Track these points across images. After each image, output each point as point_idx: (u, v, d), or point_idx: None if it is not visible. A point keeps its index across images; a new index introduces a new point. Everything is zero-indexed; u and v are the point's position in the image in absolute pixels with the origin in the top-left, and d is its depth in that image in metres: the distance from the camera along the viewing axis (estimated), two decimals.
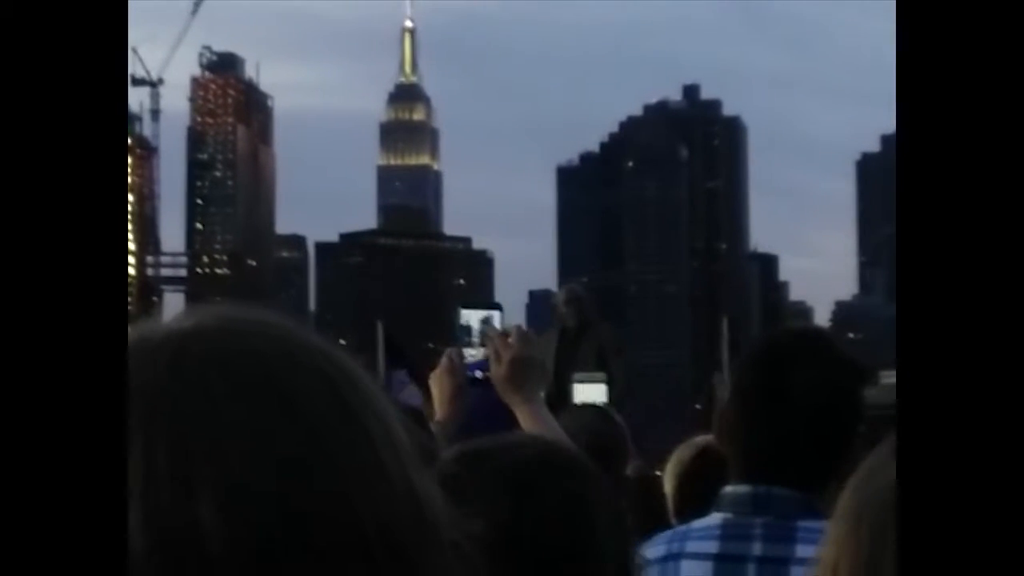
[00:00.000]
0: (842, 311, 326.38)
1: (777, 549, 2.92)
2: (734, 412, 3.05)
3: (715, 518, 2.98)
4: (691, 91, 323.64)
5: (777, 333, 3.34)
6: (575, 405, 8.32)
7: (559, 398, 11.91)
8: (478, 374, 3.74)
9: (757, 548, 2.92)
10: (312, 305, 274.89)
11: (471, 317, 3.77)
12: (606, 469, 4.05)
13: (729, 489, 3.00)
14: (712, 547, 2.92)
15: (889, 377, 16.56)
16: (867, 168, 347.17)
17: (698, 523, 2.99)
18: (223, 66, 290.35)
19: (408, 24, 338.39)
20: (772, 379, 3.01)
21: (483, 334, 3.69)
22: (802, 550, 2.92)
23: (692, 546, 2.94)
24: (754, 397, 3.02)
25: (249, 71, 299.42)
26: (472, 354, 3.77)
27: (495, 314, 3.78)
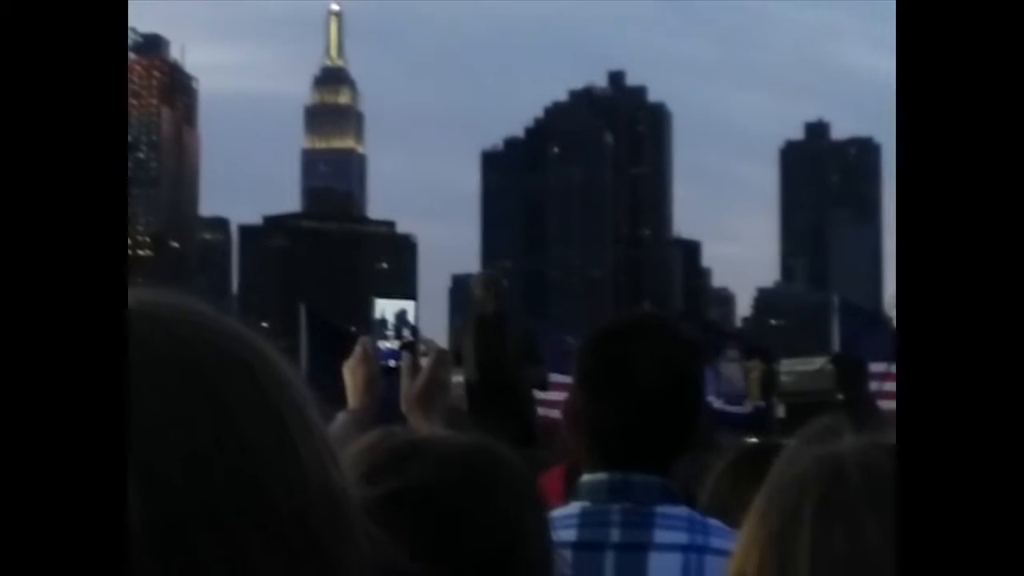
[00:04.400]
0: (764, 297, 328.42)
1: (635, 535, 2.94)
2: (583, 399, 3.05)
3: (574, 507, 2.99)
4: (616, 77, 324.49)
5: (613, 319, 3.34)
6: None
7: (486, 386, 11.91)
8: (391, 363, 3.76)
9: (615, 535, 2.94)
10: (235, 288, 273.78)
11: (386, 307, 3.79)
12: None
13: (586, 478, 3.02)
14: (571, 535, 2.93)
15: (810, 363, 16.70)
16: (790, 155, 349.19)
17: (557, 512, 2.99)
18: (148, 47, 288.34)
19: (335, 7, 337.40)
20: (613, 361, 3.02)
21: (399, 333, 3.72)
22: (660, 535, 2.94)
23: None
24: (597, 381, 3.03)
25: (174, 53, 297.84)
26: (386, 345, 3.80)
27: (409, 304, 3.81)
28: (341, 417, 3.74)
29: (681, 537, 2.93)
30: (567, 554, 2.88)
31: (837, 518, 1.50)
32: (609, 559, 2.93)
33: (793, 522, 1.52)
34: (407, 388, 3.62)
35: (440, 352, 3.73)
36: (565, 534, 2.91)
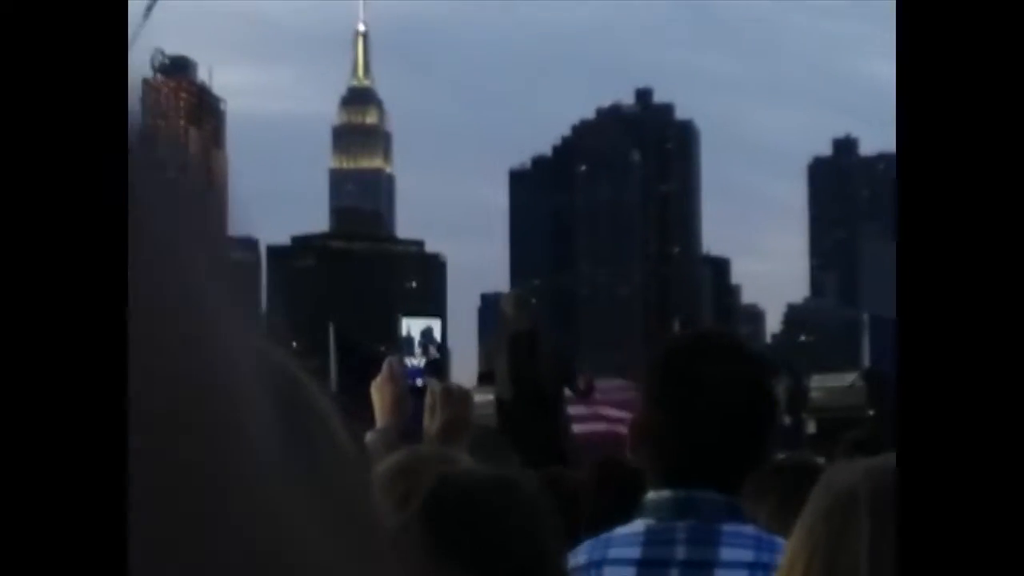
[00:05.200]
0: (793, 313, 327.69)
1: (701, 552, 2.92)
2: (650, 416, 3.04)
3: (638, 524, 2.97)
4: (644, 95, 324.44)
5: (681, 335, 3.34)
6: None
7: (519, 404, 11.91)
8: (419, 382, 3.77)
9: (681, 552, 2.91)
10: (263, 307, 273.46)
11: (412, 326, 3.82)
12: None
13: (651, 495, 3.00)
14: (635, 553, 2.91)
15: (841, 379, 16.67)
16: (818, 171, 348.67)
17: (620, 530, 2.98)
18: (175, 69, 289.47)
19: (361, 27, 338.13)
20: (685, 379, 3.01)
21: (426, 351, 3.76)
22: (727, 553, 2.92)
23: (614, 552, 2.93)
24: (669, 398, 3.02)
25: (202, 74, 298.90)
26: (413, 363, 3.82)
27: (435, 322, 3.83)
28: (369, 436, 3.75)
29: (748, 555, 2.91)
30: (631, 571, 2.88)
31: (887, 531, 1.48)
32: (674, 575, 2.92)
33: (843, 535, 1.51)
34: (428, 425, 3.65)
35: (461, 391, 3.75)
36: (629, 551, 2.90)
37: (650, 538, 2.93)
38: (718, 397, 2.97)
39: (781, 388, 16.76)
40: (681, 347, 3.14)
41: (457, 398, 3.72)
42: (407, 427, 3.76)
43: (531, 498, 2.20)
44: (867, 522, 1.51)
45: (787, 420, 17.09)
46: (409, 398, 3.83)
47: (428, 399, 3.70)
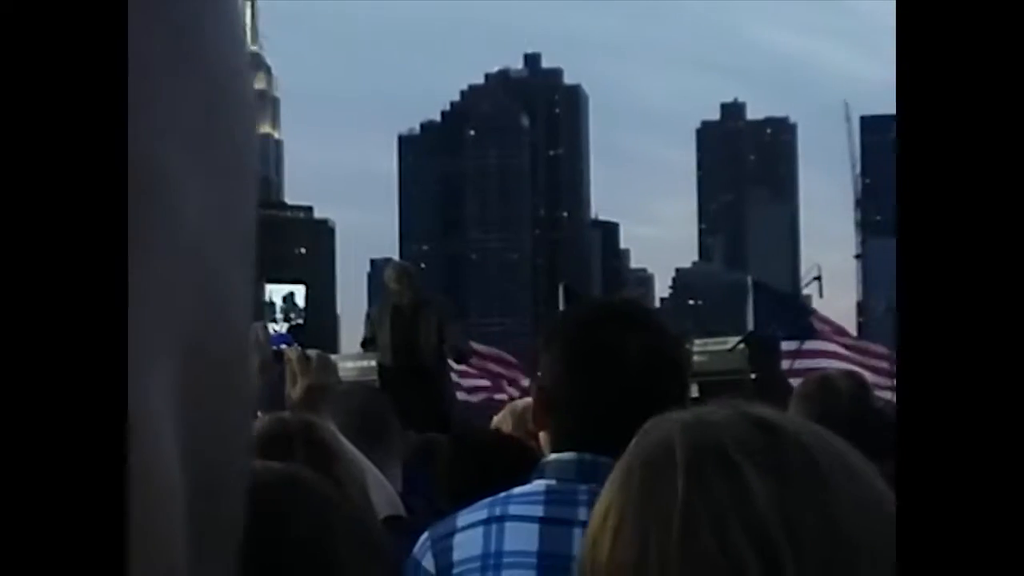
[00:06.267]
0: (682, 278, 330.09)
1: None
2: (557, 383, 3.02)
3: (538, 484, 2.95)
4: (532, 59, 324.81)
5: (587, 303, 3.34)
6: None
7: (399, 377, 11.94)
8: (282, 347, 3.75)
9: (583, 513, 2.90)
10: None
11: (274, 292, 3.78)
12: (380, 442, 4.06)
13: (552, 457, 2.98)
14: (537, 511, 2.89)
15: (723, 343, 16.76)
16: (706, 136, 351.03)
17: (520, 489, 2.96)
18: None
19: None
20: (604, 346, 3.00)
21: (287, 316, 3.73)
22: None
23: (515, 509, 2.91)
24: (579, 366, 3.00)
25: None
26: (275, 329, 3.79)
27: (298, 288, 3.80)
28: None
29: None
30: (534, 527, 2.85)
31: (702, 483, 1.51)
32: (577, 536, 2.90)
33: (655, 489, 1.53)
34: (290, 393, 3.62)
35: (321, 357, 3.73)
36: (532, 509, 2.87)
37: (552, 497, 2.92)
38: (636, 365, 2.96)
39: None
40: (599, 316, 3.13)
41: (316, 365, 3.69)
42: (270, 394, 3.73)
43: (318, 496, 2.24)
44: (681, 475, 1.52)
45: None
46: (273, 365, 3.81)
47: (288, 367, 3.68)
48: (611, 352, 2.98)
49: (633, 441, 1.64)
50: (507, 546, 2.87)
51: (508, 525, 2.89)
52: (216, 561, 0.50)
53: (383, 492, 3.62)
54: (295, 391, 3.64)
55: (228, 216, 0.51)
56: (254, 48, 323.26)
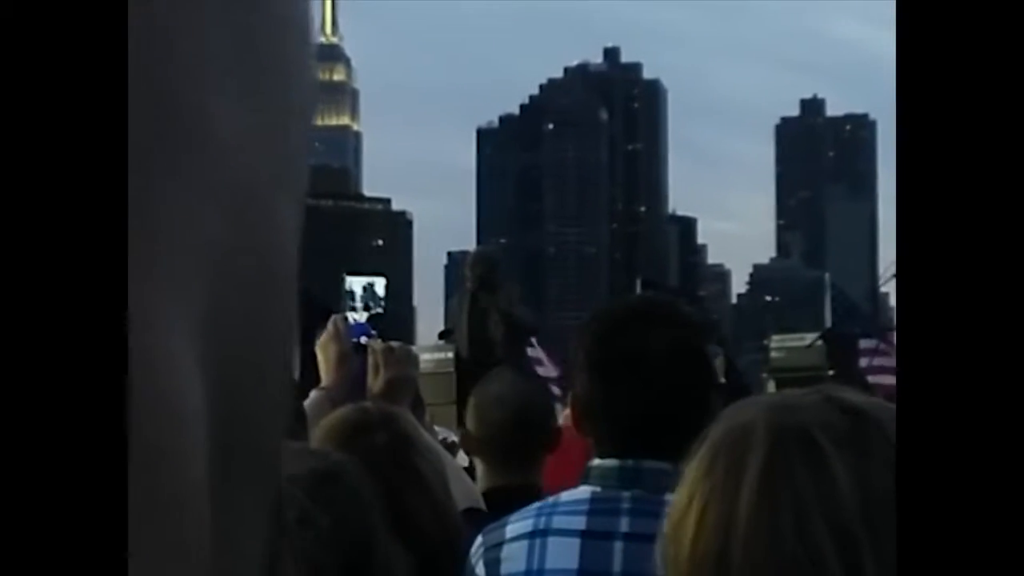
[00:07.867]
0: (759, 274, 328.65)
1: (644, 524, 2.90)
2: (592, 387, 3.01)
3: (583, 492, 2.94)
4: (611, 53, 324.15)
5: (619, 302, 3.33)
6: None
7: (473, 364, 11.97)
8: (363, 340, 3.77)
9: (624, 524, 2.90)
10: None
11: (355, 283, 3.81)
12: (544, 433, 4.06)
13: (596, 463, 2.97)
14: (580, 523, 2.90)
15: (800, 339, 16.68)
16: (785, 132, 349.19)
17: (566, 495, 2.96)
18: None
19: None
20: (625, 348, 2.99)
21: (367, 306, 3.76)
22: None
23: (559, 521, 2.92)
24: (610, 368, 3.00)
25: None
26: (355, 318, 3.83)
27: (379, 280, 3.83)
28: (314, 395, 3.74)
29: None
30: (575, 543, 2.86)
31: (785, 467, 1.49)
32: (618, 549, 2.90)
33: (737, 473, 1.51)
34: (371, 384, 3.66)
35: (403, 349, 3.76)
36: (575, 522, 2.88)
37: (595, 507, 2.92)
38: (660, 364, 2.95)
39: (718, 360, 16.71)
40: (620, 317, 3.12)
41: (399, 357, 3.72)
42: (351, 385, 3.76)
43: (354, 488, 2.25)
44: (760, 452, 1.51)
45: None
46: (353, 356, 3.83)
47: (371, 358, 3.70)
48: (633, 356, 2.98)
49: (715, 426, 1.61)
50: (548, 564, 2.90)
51: (551, 540, 2.90)
52: (251, 484, 0.50)
53: (462, 485, 3.64)
54: (377, 382, 3.67)
55: (267, 139, 0.49)
56: (334, 40, 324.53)
